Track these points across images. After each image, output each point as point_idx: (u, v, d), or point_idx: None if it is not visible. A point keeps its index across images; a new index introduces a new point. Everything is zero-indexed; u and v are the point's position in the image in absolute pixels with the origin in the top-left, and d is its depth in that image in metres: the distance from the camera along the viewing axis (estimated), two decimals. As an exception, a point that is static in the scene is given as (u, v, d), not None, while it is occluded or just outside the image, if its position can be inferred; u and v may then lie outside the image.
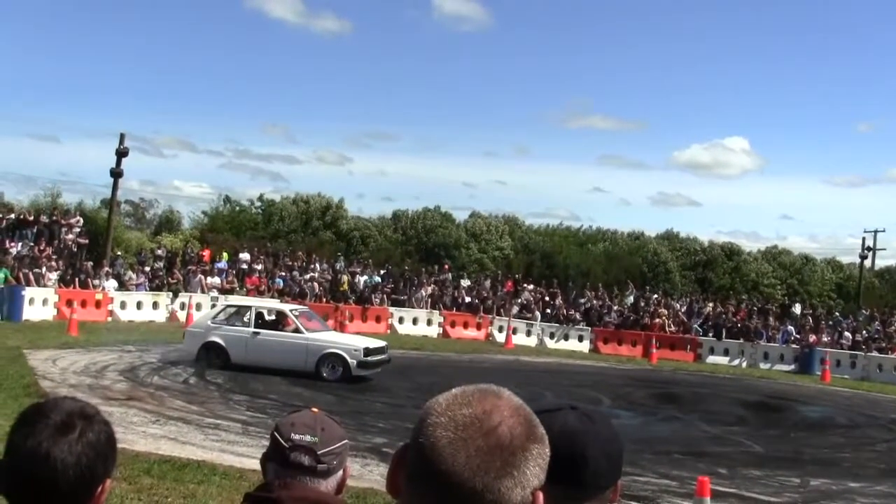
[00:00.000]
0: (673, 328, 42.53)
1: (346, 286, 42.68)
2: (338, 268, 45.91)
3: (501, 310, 43.31)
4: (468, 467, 1.41)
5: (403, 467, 1.50)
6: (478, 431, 1.44)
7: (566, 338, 42.08)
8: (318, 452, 2.75)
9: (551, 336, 42.16)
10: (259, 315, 24.77)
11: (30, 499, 2.20)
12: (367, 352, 23.99)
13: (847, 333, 41.83)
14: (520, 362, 33.42)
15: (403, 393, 22.54)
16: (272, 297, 38.57)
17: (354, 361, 23.63)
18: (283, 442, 2.76)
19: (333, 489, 2.81)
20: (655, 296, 48.23)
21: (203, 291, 39.42)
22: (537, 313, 43.47)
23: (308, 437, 2.75)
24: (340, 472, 2.84)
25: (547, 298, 45.48)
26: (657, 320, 42.36)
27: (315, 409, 2.94)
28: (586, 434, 2.26)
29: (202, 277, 40.36)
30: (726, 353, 40.62)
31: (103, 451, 2.30)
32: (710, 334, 41.72)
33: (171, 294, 38.33)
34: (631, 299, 46.91)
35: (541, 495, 1.48)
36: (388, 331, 39.31)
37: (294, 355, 23.82)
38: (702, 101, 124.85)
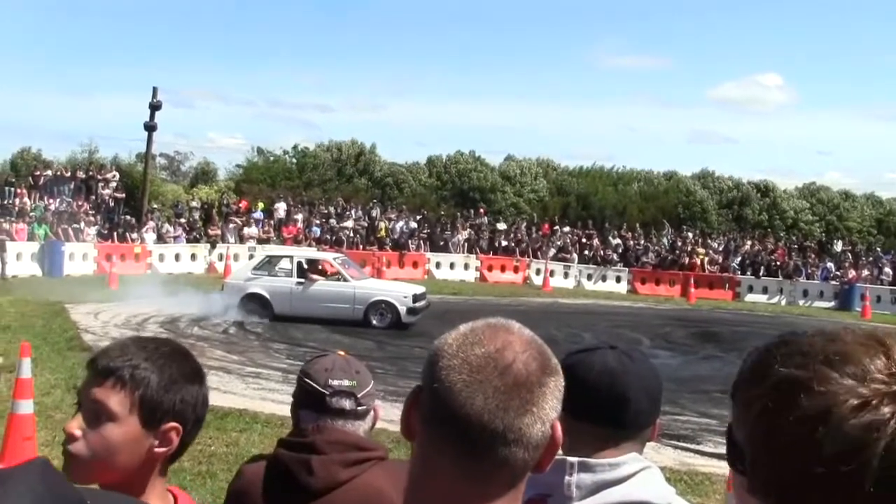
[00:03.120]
0: (711, 267, 42.33)
1: (383, 232, 42.76)
2: (374, 214, 45.92)
3: (538, 252, 43.25)
4: (486, 409, 1.39)
5: (418, 411, 1.48)
6: (493, 371, 1.41)
7: (604, 279, 41.98)
8: (359, 396, 2.77)
9: (589, 278, 42.09)
10: (300, 264, 24.78)
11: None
12: (415, 298, 24.10)
13: (887, 269, 41.48)
14: (558, 304, 33.42)
15: (443, 335, 22.55)
16: (309, 245, 38.67)
17: (404, 308, 23.66)
18: (320, 388, 2.78)
19: (368, 429, 2.86)
20: (691, 235, 48.05)
21: (240, 242, 39.62)
22: (574, 255, 43.36)
23: (346, 382, 2.78)
24: (372, 412, 2.87)
25: (584, 240, 45.38)
26: (695, 259, 42.16)
27: (342, 353, 2.95)
28: (626, 374, 2.26)
29: (236, 228, 40.57)
30: (765, 290, 40.46)
31: None
32: (749, 272, 41.53)
33: (208, 245, 38.54)
34: (666, 240, 46.74)
35: (559, 426, 1.46)
36: (426, 276, 39.41)
37: (341, 304, 23.80)
38: (733, 37, 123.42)
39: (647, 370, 2.33)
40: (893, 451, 1.08)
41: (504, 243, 44.30)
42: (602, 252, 43.63)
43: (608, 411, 2.22)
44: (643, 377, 2.29)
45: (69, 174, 41.73)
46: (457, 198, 58.92)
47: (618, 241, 45.27)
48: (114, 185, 42.36)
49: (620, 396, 2.23)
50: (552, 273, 40.83)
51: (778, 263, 41.76)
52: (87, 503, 1.28)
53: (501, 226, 47.83)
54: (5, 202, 37.28)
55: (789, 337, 1.27)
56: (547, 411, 1.43)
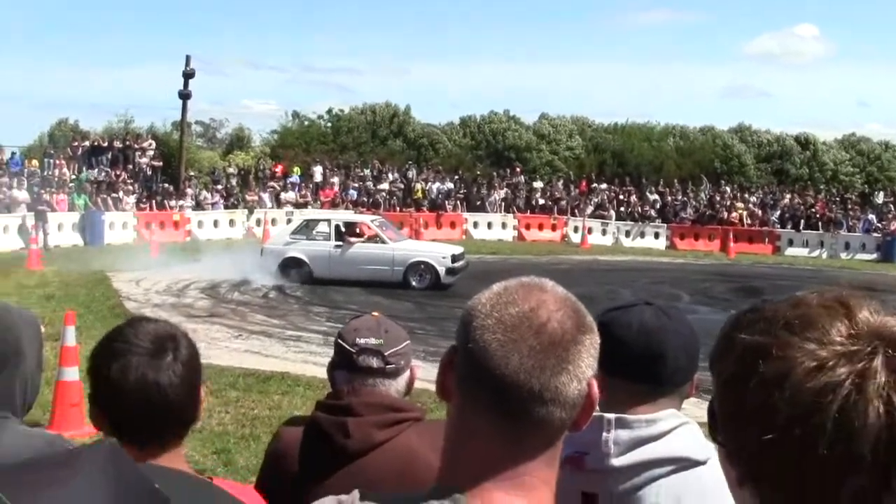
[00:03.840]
0: (750, 221, 41.96)
1: (420, 193, 42.78)
2: (410, 176, 45.92)
3: (576, 210, 43.12)
4: (523, 369, 1.38)
5: (453, 371, 1.47)
6: (528, 330, 1.40)
7: (642, 235, 41.79)
8: (385, 354, 2.80)
9: (627, 234, 41.92)
10: (338, 227, 24.83)
11: (145, 427, 2.24)
12: (454, 258, 24.14)
13: (931, 219, 40.94)
14: (597, 262, 33.34)
15: (476, 295, 22.51)
16: (346, 208, 38.71)
17: (443, 268, 23.71)
18: (349, 347, 2.81)
19: (403, 389, 2.88)
20: (729, 189, 47.69)
21: (278, 207, 39.76)
22: (612, 212, 43.19)
23: (373, 340, 2.81)
24: (408, 372, 2.90)
25: (621, 196, 45.15)
26: (734, 214, 41.84)
27: (375, 314, 2.98)
28: (664, 330, 2.26)
29: (273, 193, 40.73)
30: (806, 244, 40.01)
31: (195, 364, 2.35)
32: (789, 226, 41.13)
33: (246, 211, 38.70)
34: (704, 195, 46.41)
35: (595, 384, 1.46)
36: (463, 236, 39.40)
37: (380, 266, 23.87)
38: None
39: (684, 326, 2.33)
40: (847, 413, 1.08)
41: (541, 202, 44.18)
42: (640, 208, 43.40)
43: (645, 368, 2.22)
44: (680, 333, 2.29)
45: (106, 144, 41.94)
46: (492, 157, 58.73)
47: (655, 196, 45.00)
48: (151, 153, 42.50)
49: (657, 353, 2.23)
50: (590, 230, 40.72)
51: (818, 216, 41.29)
52: (156, 485, 1.29)
53: (538, 184, 47.68)
54: (45, 173, 37.57)
55: (758, 304, 1.27)
56: (583, 369, 1.43)
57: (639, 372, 2.21)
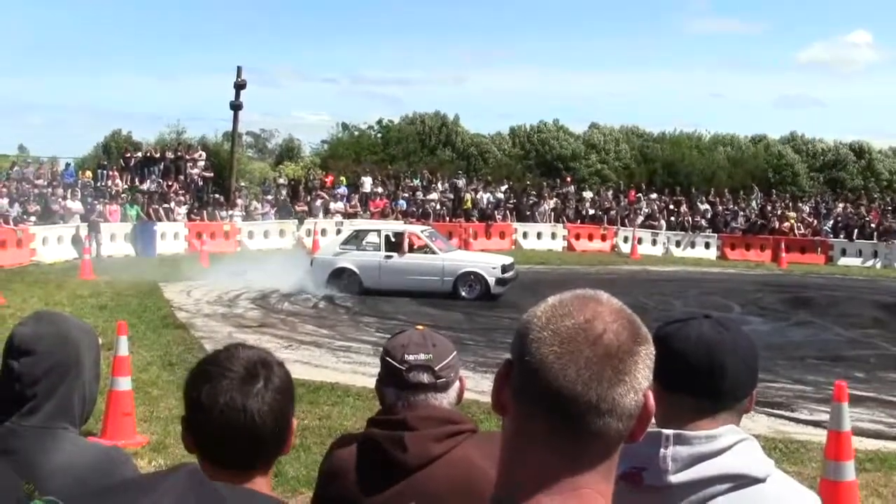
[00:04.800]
0: (802, 231, 41.48)
1: (469, 204, 42.78)
2: (459, 186, 45.92)
3: (626, 220, 42.91)
4: (580, 381, 1.39)
5: (508, 385, 1.47)
6: (584, 342, 1.41)
7: (692, 245, 41.51)
8: (436, 368, 2.79)
9: (677, 244, 41.64)
10: (387, 238, 24.88)
11: (230, 451, 2.26)
12: (504, 269, 24.10)
13: None
14: (647, 272, 33.15)
15: (532, 308, 22.46)
16: (395, 219, 38.81)
17: (493, 279, 23.67)
18: (397, 364, 2.80)
19: (454, 400, 2.87)
20: (780, 200, 47.17)
21: (327, 217, 39.92)
22: (662, 222, 42.96)
23: (423, 356, 2.80)
24: (457, 383, 2.89)
25: (671, 206, 44.88)
26: (785, 224, 41.38)
27: (420, 327, 2.97)
28: (723, 343, 2.23)
29: (323, 203, 40.88)
30: (859, 254, 39.44)
31: (287, 394, 2.40)
32: (842, 235, 40.59)
33: (296, 221, 38.91)
34: (755, 204, 45.98)
35: (651, 395, 1.45)
36: (513, 247, 39.35)
37: (430, 276, 23.89)
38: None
39: (743, 339, 2.29)
40: None
41: (591, 212, 44.01)
42: (690, 218, 43.09)
43: (705, 382, 2.19)
44: (740, 346, 2.26)
45: (158, 155, 42.37)
46: (541, 167, 58.64)
47: (706, 206, 44.70)
48: (202, 164, 42.87)
49: (718, 367, 2.20)
50: (640, 240, 40.48)
51: (873, 226, 40.67)
52: None
53: (588, 194, 47.54)
54: (98, 184, 38.02)
55: None
56: (640, 380, 1.43)
57: (698, 386, 2.18)
